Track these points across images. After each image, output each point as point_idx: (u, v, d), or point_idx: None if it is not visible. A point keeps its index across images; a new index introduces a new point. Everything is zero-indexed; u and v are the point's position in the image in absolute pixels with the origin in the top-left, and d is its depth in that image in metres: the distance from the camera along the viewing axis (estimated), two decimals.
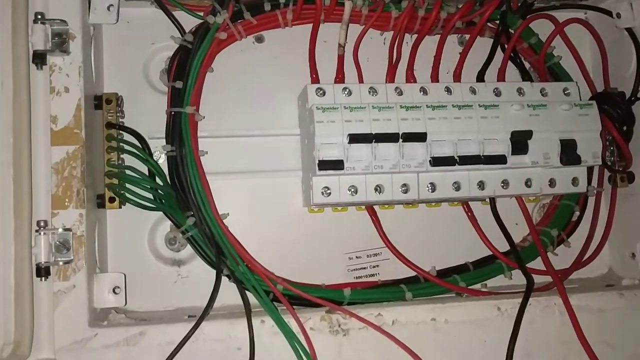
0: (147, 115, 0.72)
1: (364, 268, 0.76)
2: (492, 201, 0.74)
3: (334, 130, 0.65)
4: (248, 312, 0.62)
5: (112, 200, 0.67)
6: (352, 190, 0.67)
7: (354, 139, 0.65)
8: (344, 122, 0.66)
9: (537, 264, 0.74)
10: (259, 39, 0.76)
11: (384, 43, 0.77)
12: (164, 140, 0.68)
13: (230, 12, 0.68)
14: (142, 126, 0.71)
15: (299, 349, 0.61)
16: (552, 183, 0.72)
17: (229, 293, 0.66)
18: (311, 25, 0.72)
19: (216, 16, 0.68)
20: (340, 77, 0.72)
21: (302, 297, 0.66)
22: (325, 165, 0.65)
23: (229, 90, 0.74)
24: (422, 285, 0.71)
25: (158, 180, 0.67)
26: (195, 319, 0.62)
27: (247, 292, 0.66)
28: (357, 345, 0.63)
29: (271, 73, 0.75)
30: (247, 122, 0.74)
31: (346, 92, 0.68)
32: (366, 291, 0.70)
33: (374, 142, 0.66)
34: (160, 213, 0.69)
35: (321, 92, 0.68)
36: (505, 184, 0.71)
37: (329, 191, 0.67)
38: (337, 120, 0.66)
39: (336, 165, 0.65)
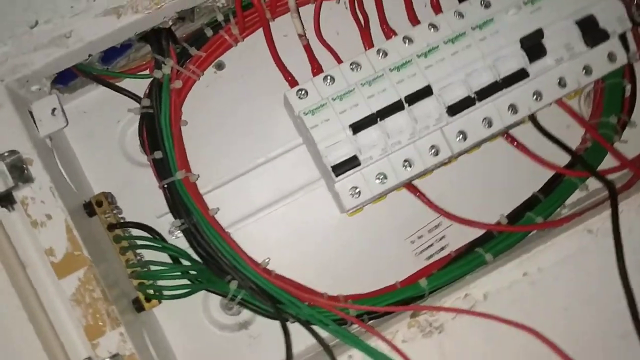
0: (147, 195, 0.66)
1: (431, 245, 0.69)
2: (532, 118, 0.65)
3: (332, 129, 0.58)
4: (330, 354, 0.56)
5: (149, 299, 0.62)
6: (381, 177, 0.60)
7: (357, 127, 0.58)
8: (339, 115, 0.59)
9: (608, 161, 0.65)
10: (219, 66, 0.68)
11: (346, 8, 0.69)
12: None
13: (174, 56, 0.62)
14: (146, 209, 0.66)
15: None
16: (587, 71, 0.62)
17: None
18: (262, 29, 0.64)
19: (162, 68, 0.61)
20: (316, 67, 0.65)
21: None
22: (340, 168, 0.58)
23: (212, 132, 0.68)
24: (498, 240, 0.63)
25: (184, 261, 0.61)
26: None
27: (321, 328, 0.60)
28: (458, 339, 0.56)
29: (247, 95, 0.68)
30: (245, 154, 0.68)
31: (328, 81, 0.60)
32: (443, 272, 0.62)
33: (379, 120, 0.58)
34: None
35: (302, 92, 0.60)
36: (537, 95, 0.61)
37: (357, 190, 0.60)
38: (330, 116, 0.59)
39: (351, 163, 0.58)
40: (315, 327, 0.60)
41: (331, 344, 0.59)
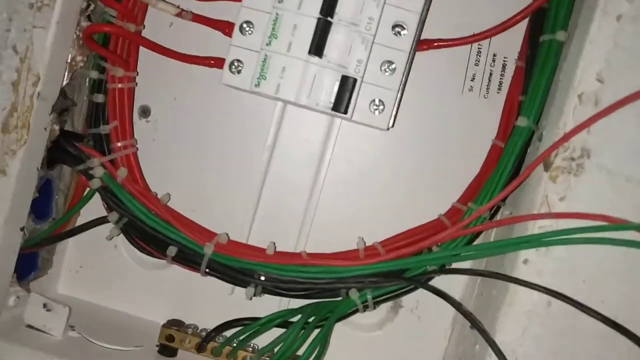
0: (204, 285, 0.54)
1: (491, 74, 0.54)
2: None
3: (297, 72, 0.45)
4: (497, 276, 0.44)
5: None
6: (387, 66, 0.46)
7: (318, 46, 0.45)
8: (289, 52, 0.45)
9: None
10: (145, 113, 0.55)
11: None
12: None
13: (93, 153, 0.49)
14: (215, 298, 0.55)
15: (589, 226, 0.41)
16: None
17: None
18: (145, 47, 0.50)
19: (94, 172, 0.49)
20: (224, 27, 0.50)
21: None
22: (340, 103, 0.45)
23: (199, 176, 0.55)
24: (552, 9, 0.47)
25: (294, 318, 0.50)
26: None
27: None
28: (609, 147, 0.42)
29: (194, 111, 0.55)
30: (248, 165, 0.55)
31: (247, 29, 0.46)
32: (531, 93, 0.47)
33: (332, 18, 0.44)
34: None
35: (235, 65, 0.46)
36: None
37: (378, 100, 0.46)
38: (283, 62, 0.45)
39: (346, 87, 0.45)
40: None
41: (484, 267, 0.48)
